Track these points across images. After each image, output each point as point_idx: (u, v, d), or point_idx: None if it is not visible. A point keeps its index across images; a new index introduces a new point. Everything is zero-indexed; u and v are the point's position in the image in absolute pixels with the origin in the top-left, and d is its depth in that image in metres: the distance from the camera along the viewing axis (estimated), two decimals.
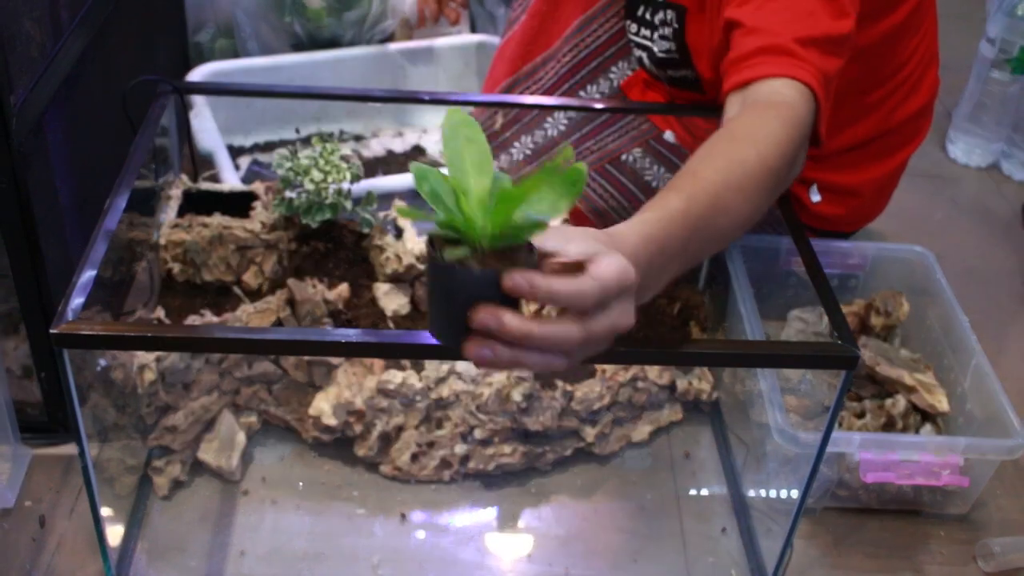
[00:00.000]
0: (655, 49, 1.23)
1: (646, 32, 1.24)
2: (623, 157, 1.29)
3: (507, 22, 1.40)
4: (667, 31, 1.20)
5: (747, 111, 0.94)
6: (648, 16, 1.24)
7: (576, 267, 0.67)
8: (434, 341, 0.68)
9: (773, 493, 1.13)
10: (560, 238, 0.68)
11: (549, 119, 1.35)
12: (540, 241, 0.68)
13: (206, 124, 1.49)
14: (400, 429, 1.14)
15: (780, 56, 0.94)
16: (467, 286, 0.65)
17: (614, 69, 1.33)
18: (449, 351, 0.67)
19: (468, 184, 0.67)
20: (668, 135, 1.30)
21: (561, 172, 0.66)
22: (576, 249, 0.68)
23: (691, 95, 1.25)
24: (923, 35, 1.25)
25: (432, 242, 0.67)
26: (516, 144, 1.36)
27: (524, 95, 1.35)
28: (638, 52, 1.27)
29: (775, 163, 0.87)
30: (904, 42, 1.22)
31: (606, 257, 0.68)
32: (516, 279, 0.64)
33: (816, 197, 1.30)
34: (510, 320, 0.65)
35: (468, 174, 0.68)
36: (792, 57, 0.94)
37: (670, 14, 1.19)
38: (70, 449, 1.14)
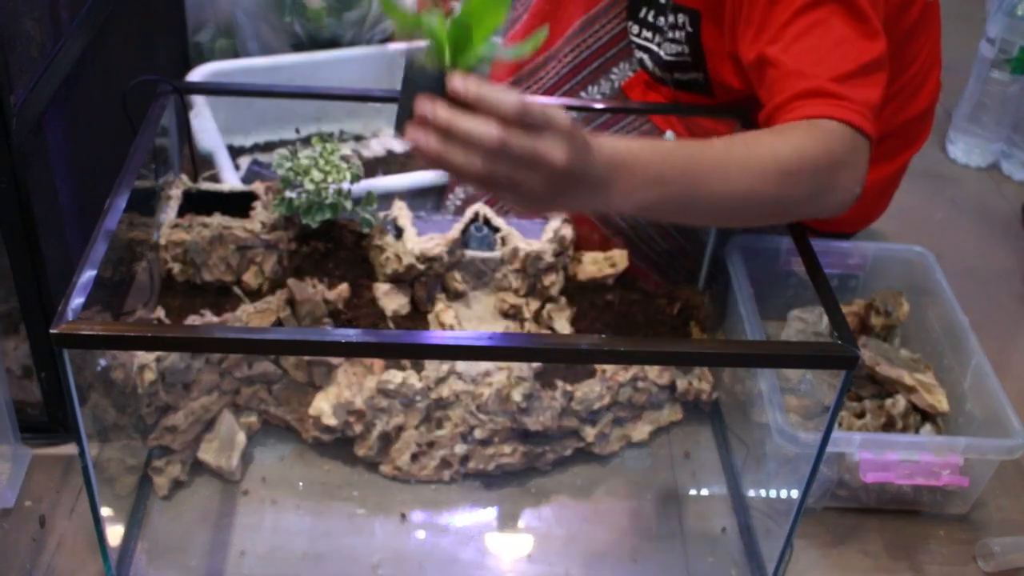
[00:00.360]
0: (661, 53, 1.23)
1: (647, 34, 1.24)
2: None
3: (509, 21, 1.40)
4: (678, 35, 1.20)
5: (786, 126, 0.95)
6: (651, 18, 1.24)
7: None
8: (436, 341, 0.70)
9: (773, 493, 1.13)
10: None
11: None
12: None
13: (206, 124, 1.49)
14: (400, 429, 1.14)
15: (818, 98, 0.94)
16: (421, 82, 0.76)
17: (615, 70, 1.33)
18: (449, 351, 0.69)
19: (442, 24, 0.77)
20: (669, 135, 1.30)
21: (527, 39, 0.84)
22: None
23: (697, 97, 1.24)
24: (928, 38, 1.25)
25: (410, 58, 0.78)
26: None
27: (524, 95, 1.34)
28: (639, 54, 1.27)
29: (787, 161, 0.89)
30: (912, 43, 1.22)
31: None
32: (456, 78, 0.73)
33: None
34: (441, 109, 0.73)
35: (443, 22, 0.77)
36: (830, 97, 0.94)
37: (682, 18, 1.19)
38: (70, 449, 1.14)
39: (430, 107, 0.73)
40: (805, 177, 0.90)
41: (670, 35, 1.21)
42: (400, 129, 0.76)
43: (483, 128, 0.72)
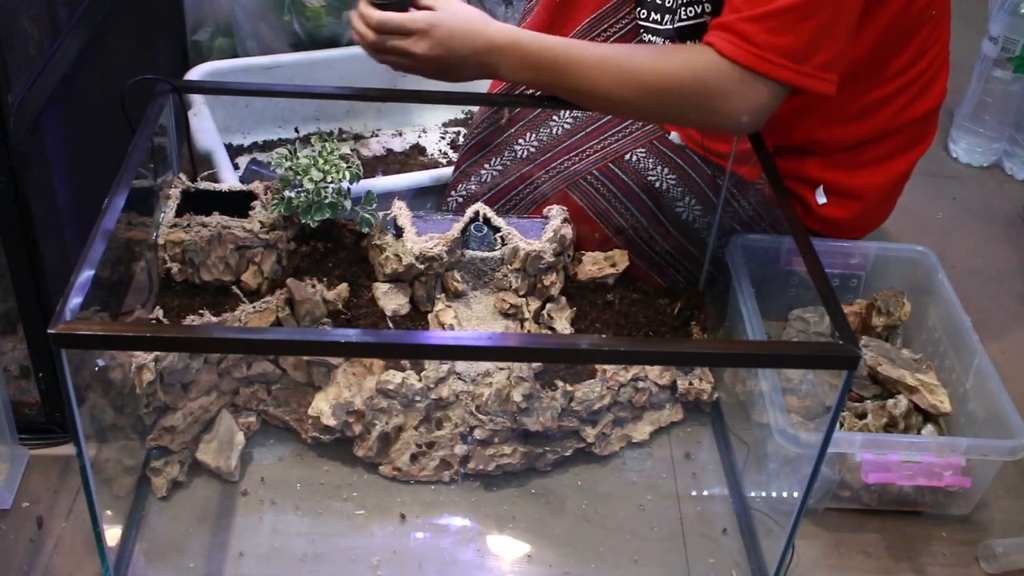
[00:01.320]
0: (673, 26, 1.23)
1: (656, 16, 1.24)
2: (627, 157, 1.29)
3: (522, 13, 1.40)
4: None
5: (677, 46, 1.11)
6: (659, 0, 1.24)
7: None
8: (436, 341, 0.69)
9: (774, 493, 1.13)
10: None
11: (555, 117, 1.35)
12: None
13: (205, 123, 1.49)
14: (400, 429, 1.14)
15: (722, 31, 1.05)
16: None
17: None
18: (449, 351, 0.68)
19: None
20: (673, 136, 1.29)
21: None
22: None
23: None
24: (939, 35, 1.25)
25: None
26: (520, 141, 1.35)
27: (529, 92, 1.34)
28: (648, 37, 1.26)
29: (651, 82, 1.06)
30: (922, 32, 1.22)
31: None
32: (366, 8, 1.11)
33: (822, 199, 1.30)
34: (362, 16, 1.12)
35: None
36: (731, 34, 1.04)
37: None
38: (68, 450, 1.14)
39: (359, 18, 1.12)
40: (668, 97, 1.06)
41: None
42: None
43: (363, 32, 1.12)
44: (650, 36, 1.27)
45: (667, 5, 1.23)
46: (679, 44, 1.11)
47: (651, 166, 1.29)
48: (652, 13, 1.25)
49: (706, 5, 1.20)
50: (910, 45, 1.22)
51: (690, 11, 1.21)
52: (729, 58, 1.03)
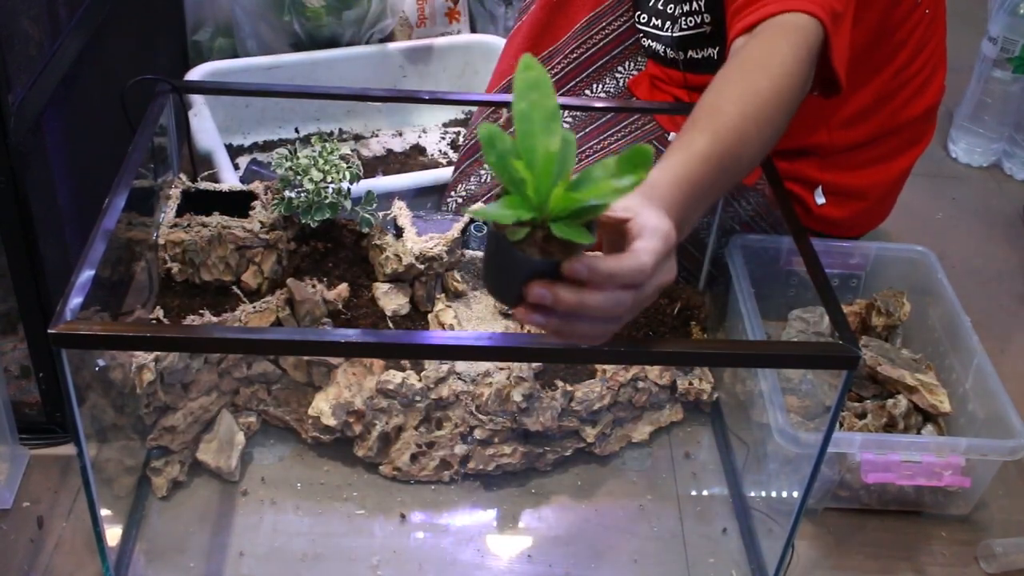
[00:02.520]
0: (673, 33, 1.22)
1: (657, 22, 1.24)
2: None
3: (519, 11, 1.40)
4: (697, 4, 1.20)
5: (756, 38, 0.95)
6: (660, 6, 1.23)
7: (618, 227, 0.72)
8: (436, 341, 0.69)
9: (774, 493, 1.13)
10: None
11: None
12: None
13: (205, 123, 1.49)
14: (400, 429, 1.14)
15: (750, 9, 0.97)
16: (527, 267, 0.69)
17: (621, 68, 1.32)
18: (449, 351, 0.68)
19: (535, 146, 0.69)
20: (672, 136, 1.29)
21: (623, 153, 0.69)
22: (617, 209, 0.72)
23: (707, 78, 1.24)
24: (933, 34, 1.25)
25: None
26: None
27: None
28: (647, 41, 1.26)
29: (788, 89, 0.91)
30: (916, 34, 1.22)
31: (648, 220, 0.72)
32: (577, 268, 0.69)
33: (821, 200, 1.30)
34: (565, 294, 0.69)
35: (536, 135, 0.69)
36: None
37: None
38: (68, 450, 1.14)
39: (548, 295, 0.70)
40: (800, 86, 0.93)
41: (687, 7, 1.21)
42: (504, 299, 0.74)
43: (617, 299, 0.71)
44: (650, 41, 1.27)
45: (668, 12, 1.23)
46: (755, 45, 0.96)
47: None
48: (653, 18, 1.25)
49: (706, 15, 1.20)
50: (905, 45, 1.22)
51: (691, 20, 1.21)
52: (808, 13, 0.95)
